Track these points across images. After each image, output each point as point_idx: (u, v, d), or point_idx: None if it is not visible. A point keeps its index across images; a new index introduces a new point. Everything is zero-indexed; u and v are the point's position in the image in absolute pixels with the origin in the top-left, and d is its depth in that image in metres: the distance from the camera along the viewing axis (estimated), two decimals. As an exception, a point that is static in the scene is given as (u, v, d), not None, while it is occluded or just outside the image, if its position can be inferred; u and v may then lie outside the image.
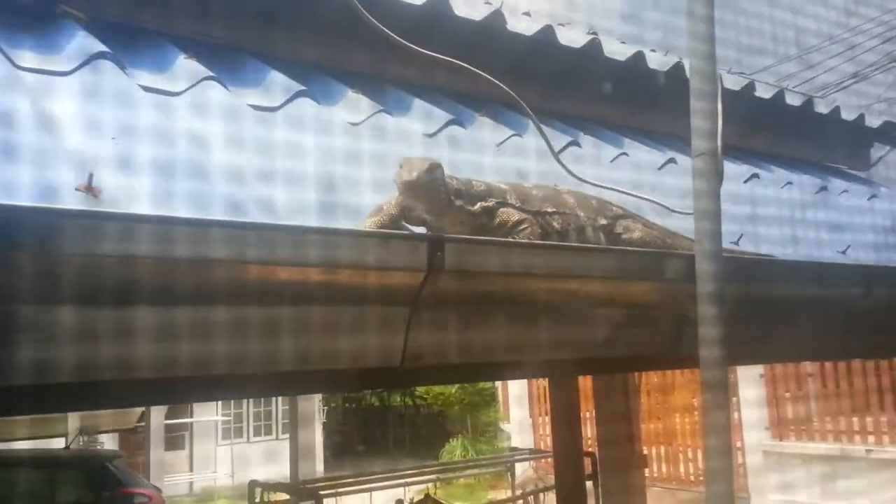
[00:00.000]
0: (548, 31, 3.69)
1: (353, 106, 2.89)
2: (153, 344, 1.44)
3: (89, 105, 2.00)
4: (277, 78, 2.73)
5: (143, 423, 15.99)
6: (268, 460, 20.35)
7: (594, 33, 4.01)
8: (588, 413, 8.73)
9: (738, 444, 11.67)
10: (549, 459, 8.78)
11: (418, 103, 3.13)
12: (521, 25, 3.66)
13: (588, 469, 5.66)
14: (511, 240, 1.99)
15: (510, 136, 3.13)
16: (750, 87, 4.53)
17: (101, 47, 2.21)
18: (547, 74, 3.80)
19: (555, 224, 2.13)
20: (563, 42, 3.76)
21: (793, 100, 4.83)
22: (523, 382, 15.36)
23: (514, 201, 2.08)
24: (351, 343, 1.69)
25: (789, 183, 4.18)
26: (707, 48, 2.20)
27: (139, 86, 2.21)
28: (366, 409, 25.78)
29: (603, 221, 2.31)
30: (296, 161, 2.26)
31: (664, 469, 13.29)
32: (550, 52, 3.73)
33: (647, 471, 7.37)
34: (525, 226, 2.03)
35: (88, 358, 1.39)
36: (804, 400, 11.55)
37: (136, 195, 1.62)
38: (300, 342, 1.62)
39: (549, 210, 2.16)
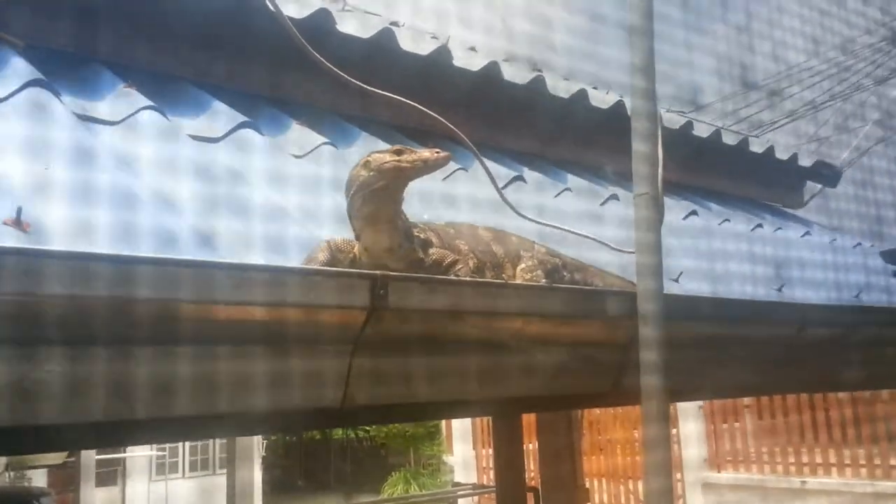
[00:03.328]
0: (493, 67, 3.73)
1: (298, 138, 2.86)
2: (78, 386, 1.37)
3: (21, 134, 1.93)
4: (220, 108, 2.68)
5: (73, 459, 15.36)
6: (204, 497, 19.76)
7: (539, 70, 4.08)
8: (531, 445, 8.74)
9: (678, 476, 11.80)
10: (493, 494, 8.72)
11: (364, 136, 3.12)
12: (467, 61, 3.69)
13: (531, 504, 5.63)
14: (455, 278, 1.98)
15: (455, 170, 3.13)
16: (688, 125, 4.65)
17: (36, 74, 2.14)
18: (492, 110, 3.84)
19: (470, 264, 2.12)
20: (508, 78, 3.81)
21: (729, 139, 4.98)
22: (467, 415, 15.28)
23: (436, 241, 2.09)
24: (291, 383, 1.65)
25: (727, 220, 4.28)
26: (648, 88, 2.25)
27: (74, 114, 2.14)
28: (307, 442, 25.30)
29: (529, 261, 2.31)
30: (237, 194, 2.21)
31: (606, 501, 13.33)
32: (496, 87, 3.78)
33: (588, 503, 7.37)
34: (460, 266, 2.04)
35: (14, 402, 1.32)
36: (741, 431, 11.76)
37: (67, 228, 1.56)
38: (237, 382, 1.57)
39: (464, 248, 2.16)
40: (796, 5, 8.65)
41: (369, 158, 1.95)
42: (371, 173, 1.92)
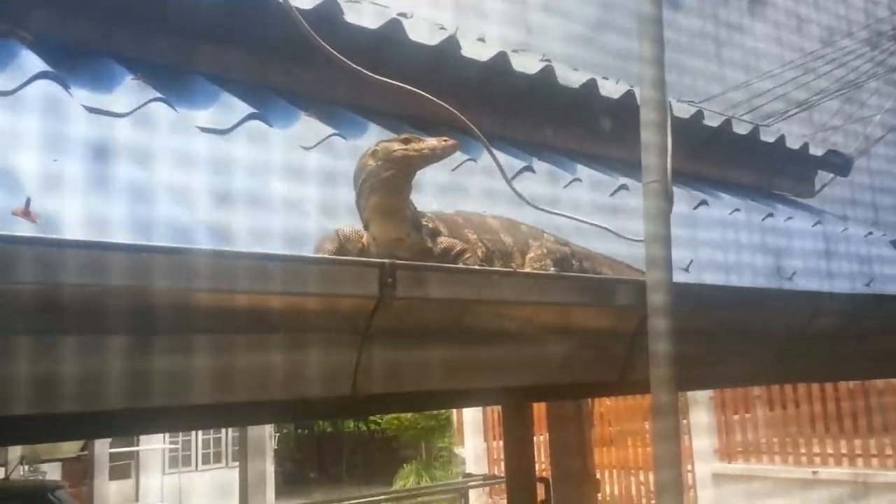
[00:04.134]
0: (502, 57, 3.72)
1: (307, 129, 2.86)
2: (91, 375, 1.38)
3: (30, 126, 1.94)
4: (228, 100, 2.69)
5: (86, 452, 15.49)
6: (217, 490, 19.87)
7: (548, 60, 4.06)
8: (542, 437, 8.74)
9: (689, 467, 11.79)
10: (504, 485, 8.73)
11: (373, 127, 3.12)
12: (476, 51, 3.68)
13: (541, 495, 5.63)
14: (463, 266, 1.98)
15: (465, 161, 3.13)
16: (698, 115, 4.62)
17: (45, 66, 2.15)
18: (501, 100, 3.83)
19: (479, 253, 2.12)
20: (517, 68, 3.79)
21: (739, 128, 4.95)
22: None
23: (444, 230, 2.09)
24: (301, 372, 1.65)
25: (737, 210, 4.26)
26: (658, 78, 2.23)
27: (83, 106, 2.15)
28: (319, 435, 25.42)
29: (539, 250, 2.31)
30: (247, 185, 2.22)
31: (616, 492, 13.34)
32: (505, 78, 3.76)
33: (599, 495, 7.38)
34: (469, 255, 2.04)
35: (22, 390, 1.33)
36: (752, 422, 11.73)
37: (76, 220, 1.57)
38: (248, 372, 1.57)
39: (472, 237, 2.17)
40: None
41: (377, 148, 1.96)
42: (379, 163, 1.93)
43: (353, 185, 2.02)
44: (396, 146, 1.93)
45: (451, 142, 1.95)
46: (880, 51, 8.60)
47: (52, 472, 16.75)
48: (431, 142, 1.94)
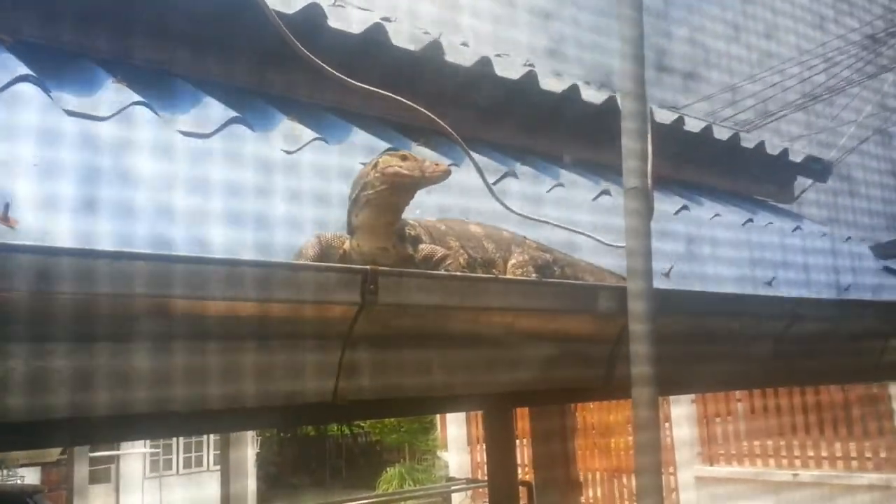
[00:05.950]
0: (485, 63, 3.73)
1: (289, 134, 2.86)
2: (74, 383, 1.37)
3: (9, 130, 1.92)
4: (210, 103, 2.67)
5: (65, 456, 15.36)
6: (198, 494, 19.75)
7: (531, 65, 4.08)
8: (525, 439, 8.76)
9: (671, 470, 11.85)
10: (486, 489, 8.73)
11: (356, 132, 3.11)
12: (459, 56, 3.69)
13: (524, 498, 5.64)
14: (444, 273, 1.99)
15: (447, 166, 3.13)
16: (679, 121, 4.65)
17: (25, 70, 2.14)
18: (484, 105, 3.84)
19: (460, 260, 2.14)
20: (500, 73, 3.80)
21: (720, 134, 4.98)
22: (461, 410, 15.26)
23: (426, 237, 2.11)
24: (282, 378, 1.65)
25: (717, 215, 4.29)
26: (638, 85, 2.25)
27: (64, 110, 2.14)
28: (301, 438, 25.30)
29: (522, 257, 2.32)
30: (229, 191, 2.21)
31: (599, 494, 13.38)
32: (487, 83, 3.77)
33: (582, 498, 7.42)
34: (450, 261, 2.05)
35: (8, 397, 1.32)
36: (734, 425, 11.82)
37: (55, 226, 1.56)
38: (229, 378, 1.57)
39: (455, 244, 2.19)
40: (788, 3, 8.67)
41: (379, 160, 1.99)
42: (377, 175, 1.96)
43: (350, 190, 2.03)
44: (393, 162, 1.96)
45: (441, 168, 1.99)
46: (866, 50, 8.67)
47: (31, 476, 16.58)
48: (426, 164, 1.97)
